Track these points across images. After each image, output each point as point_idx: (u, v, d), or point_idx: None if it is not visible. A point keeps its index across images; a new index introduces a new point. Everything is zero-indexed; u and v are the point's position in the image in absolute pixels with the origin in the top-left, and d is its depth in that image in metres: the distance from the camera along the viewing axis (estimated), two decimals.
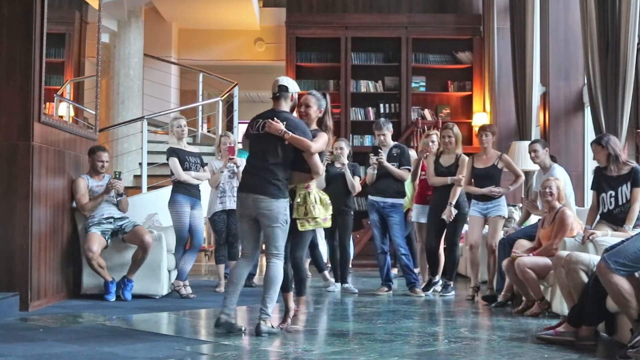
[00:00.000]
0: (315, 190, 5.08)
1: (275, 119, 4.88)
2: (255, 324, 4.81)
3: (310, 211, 4.98)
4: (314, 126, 5.16)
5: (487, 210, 6.89)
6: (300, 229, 5.00)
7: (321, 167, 5.01)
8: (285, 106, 5.08)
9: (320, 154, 5.02)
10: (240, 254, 5.08)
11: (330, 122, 5.22)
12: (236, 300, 4.92)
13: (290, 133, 4.84)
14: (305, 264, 5.45)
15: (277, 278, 4.87)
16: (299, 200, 5.00)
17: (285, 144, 4.86)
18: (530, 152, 6.87)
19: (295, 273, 5.21)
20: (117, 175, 6.75)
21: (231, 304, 4.89)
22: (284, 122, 4.87)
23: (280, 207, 4.84)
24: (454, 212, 6.99)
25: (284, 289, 5.06)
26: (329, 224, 5.17)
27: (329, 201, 5.17)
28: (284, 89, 5.06)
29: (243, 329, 4.89)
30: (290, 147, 4.88)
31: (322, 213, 5.05)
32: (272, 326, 4.84)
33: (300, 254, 5.17)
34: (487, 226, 7.10)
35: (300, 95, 5.19)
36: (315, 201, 5.02)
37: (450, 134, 7.10)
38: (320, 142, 4.98)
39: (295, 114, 5.19)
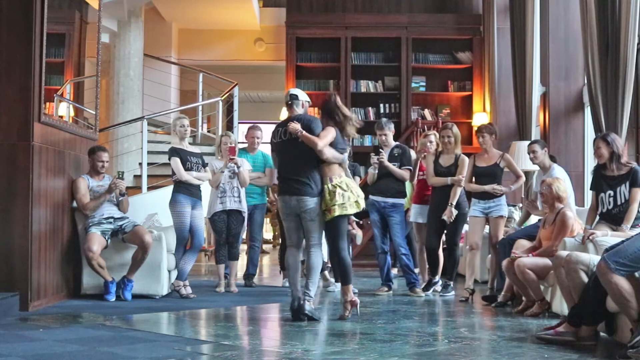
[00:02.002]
0: (337, 180, 5.53)
1: (294, 121, 5.54)
2: (299, 305, 5.37)
3: (327, 202, 5.49)
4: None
5: (489, 209, 6.89)
6: (326, 218, 5.52)
7: (334, 157, 5.56)
8: (299, 112, 5.74)
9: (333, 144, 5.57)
10: (288, 245, 5.75)
11: (341, 116, 5.64)
12: (299, 284, 5.57)
13: (303, 132, 5.46)
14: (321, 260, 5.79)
15: (318, 264, 5.57)
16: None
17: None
18: (529, 153, 6.88)
19: (338, 263, 5.68)
20: (120, 175, 6.78)
21: (297, 290, 5.49)
22: (300, 122, 5.53)
23: (318, 202, 5.50)
24: (455, 212, 6.99)
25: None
26: (354, 209, 5.56)
27: (354, 185, 5.65)
28: (294, 97, 5.76)
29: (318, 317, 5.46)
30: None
31: (342, 198, 5.48)
32: (314, 307, 5.46)
33: (337, 244, 5.60)
34: (487, 226, 7.10)
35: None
36: (335, 187, 5.49)
37: (450, 134, 7.11)
38: (328, 137, 5.53)
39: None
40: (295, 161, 5.52)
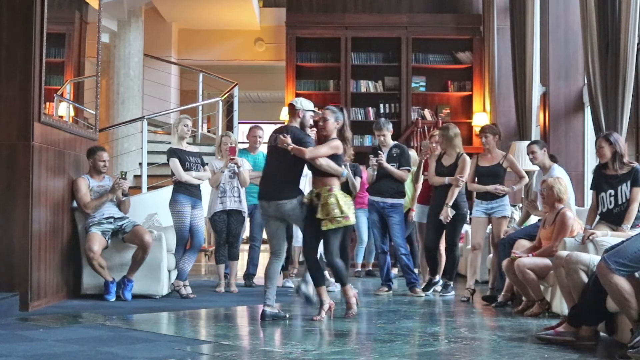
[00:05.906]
0: (338, 192, 5.55)
1: (284, 134, 5.52)
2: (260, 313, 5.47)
3: (330, 212, 5.44)
4: (334, 136, 5.67)
5: (492, 210, 6.89)
6: (323, 228, 5.46)
7: (329, 167, 5.54)
8: (294, 122, 5.76)
9: (336, 157, 5.57)
10: (271, 252, 5.71)
11: (348, 134, 5.73)
12: (274, 293, 5.56)
13: (293, 145, 5.46)
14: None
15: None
16: (321, 201, 5.49)
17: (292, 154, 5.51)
18: (528, 154, 6.87)
19: (331, 268, 5.74)
20: (123, 176, 6.79)
21: (272, 297, 5.50)
22: (290, 135, 5.53)
23: (296, 205, 5.52)
24: (451, 212, 6.98)
25: (318, 283, 5.62)
26: (351, 221, 5.55)
27: (350, 201, 5.66)
28: (291, 107, 5.79)
29: (287, 316, 5.52)
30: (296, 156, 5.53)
31: (341, 212, 5.46)
32: (278, 312, 5.50)
33: (331, 252, 5.57)
34: (489, 226, 7.10)
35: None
36: (336, 201, 5.47)
37: (438, 138, 7.21)
38: (323, 149, 5.55)
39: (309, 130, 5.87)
40: (280, 166, 5.59)
